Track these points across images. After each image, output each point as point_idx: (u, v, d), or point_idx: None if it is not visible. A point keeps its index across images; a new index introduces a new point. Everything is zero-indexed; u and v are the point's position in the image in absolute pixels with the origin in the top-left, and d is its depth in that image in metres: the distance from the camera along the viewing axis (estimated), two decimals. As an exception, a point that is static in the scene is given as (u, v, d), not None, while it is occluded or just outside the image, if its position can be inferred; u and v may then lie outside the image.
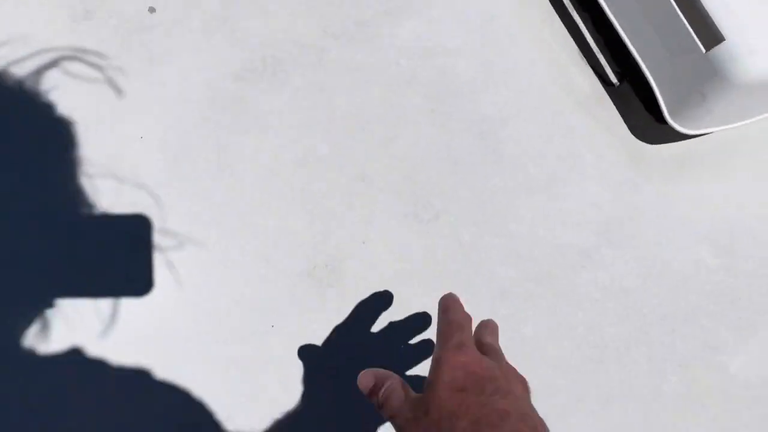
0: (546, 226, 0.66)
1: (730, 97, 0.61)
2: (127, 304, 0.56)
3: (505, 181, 0.66)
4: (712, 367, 0.64)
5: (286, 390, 0.57)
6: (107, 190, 0.58)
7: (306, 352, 0.58)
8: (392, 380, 0.39)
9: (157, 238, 0.58)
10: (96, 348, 0.55)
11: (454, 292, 0.61)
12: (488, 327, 0.45)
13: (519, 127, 0.68)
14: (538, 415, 0.37)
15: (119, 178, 0.59)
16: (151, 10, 0.65)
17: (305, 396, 0.57)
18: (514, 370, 0.40)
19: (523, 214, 0.66)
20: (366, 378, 0.40)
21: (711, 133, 0.67)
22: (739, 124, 0.66)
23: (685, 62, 0.61)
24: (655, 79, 0.65)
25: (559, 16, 0.73)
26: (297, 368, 0.57)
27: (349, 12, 0.68)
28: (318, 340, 0.58)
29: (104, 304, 0.56)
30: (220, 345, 0.57)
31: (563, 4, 0.73)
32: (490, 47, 0.70)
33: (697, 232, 0.69)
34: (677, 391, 0.63)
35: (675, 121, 0.65)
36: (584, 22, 0.72)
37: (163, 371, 0.55)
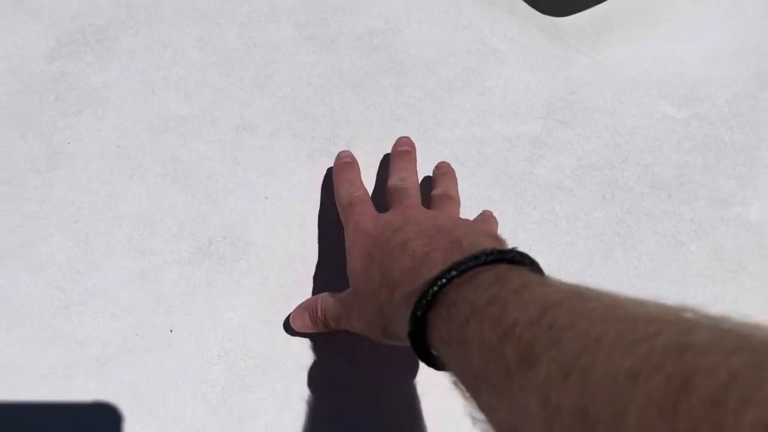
0: (482, 124, 0.54)
1: None
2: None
3: (417, 89, 0.54)
4: (731, 223, 0.52)
5: (207, 404, 0.40)
6: None
7: (220, 346, 0.41)
8: (318, 299, 0.40)
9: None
10: None
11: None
12: (438, 176, 0.48)
13: (413, 31, 0.57)
14: (461, 223, 0.39)
15: None
16: None
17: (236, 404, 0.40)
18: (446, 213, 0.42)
19: (452, 117, 0.53)
20: (298, 316, 0.41)
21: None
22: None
23: None
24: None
25: None
26: (218, 374, 0.41)
27: (176, -38, 0.57)
28: (234, 329, 0.42)
29: None
30: (111, 363, 0.40)
31: None
32: (353, -37, 0.60)
33: (649, 90, 0.58)
34: (705, 259, 0.50)
35: (580, -32, 0.56)
36: None
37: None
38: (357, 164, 0.47)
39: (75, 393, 0.39)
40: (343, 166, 0.46)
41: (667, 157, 0.55)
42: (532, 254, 0.48)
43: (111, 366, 0.40)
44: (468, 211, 0.49)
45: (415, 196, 0.42)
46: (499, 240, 0.35)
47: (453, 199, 0.44)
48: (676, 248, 0.50)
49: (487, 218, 0.45)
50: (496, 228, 0.46)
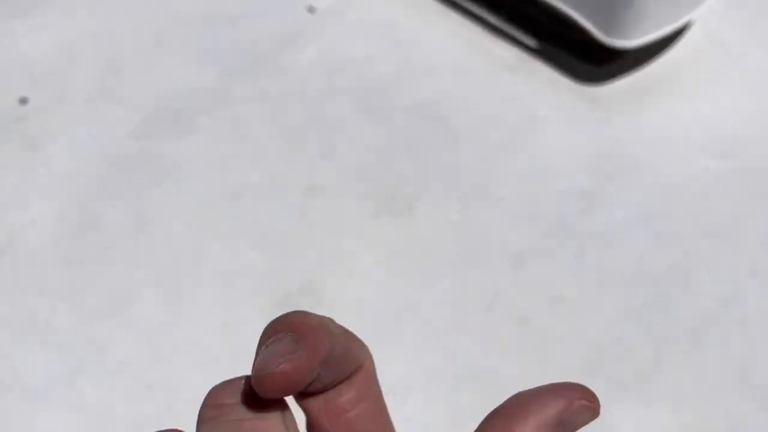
0: (535, 181, 0.57)
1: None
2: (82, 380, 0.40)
3: (470, 152, 0.58)
4: (786, 264, 0.53)
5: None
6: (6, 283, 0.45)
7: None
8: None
9: (83, 321, 0.44)
10: None
11: (466, 272, 0.49)
12: None
13: (462, 102, 0.62)
14: None
15: (17, 268, 0.46)
16: (23, 101, 0.56)
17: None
18: None
19: (506, 175, 0.57)
20: None
21: (652, 41, 0.62)
22: (675, 25, 0.63)
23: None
24: (575, 9, 0.61)
25: (453, 11, 0.71)
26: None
27: (240, 51, 0.63)
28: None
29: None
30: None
31: (453, 1, 0.71)
32: (401, 47, 0.66)
33: (688, 145, 0.61)
34: (766, 299, 0.51)
35: (612, 38, 0.61)
36: (479, 9, 0.70)
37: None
38: None
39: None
40: None
41: (715, 204, 0.57)
42: (594, 299, 0.50)
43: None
44: (527, 257, 0.51)
45: None
46: None
47: None
48: (735, 289, 0.51)
49: None
50: None
